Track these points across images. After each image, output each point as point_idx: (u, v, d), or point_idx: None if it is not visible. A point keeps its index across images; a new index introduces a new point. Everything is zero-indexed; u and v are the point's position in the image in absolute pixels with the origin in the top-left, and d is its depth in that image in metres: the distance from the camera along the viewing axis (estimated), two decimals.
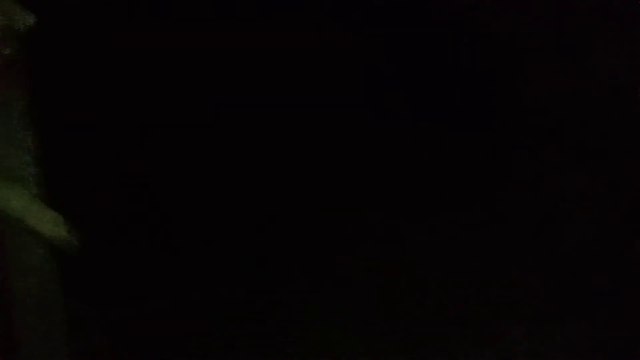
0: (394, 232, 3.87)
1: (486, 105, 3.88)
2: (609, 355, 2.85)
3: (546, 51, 3.75)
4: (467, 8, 3.81)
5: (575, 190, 3.61)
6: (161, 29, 3.61)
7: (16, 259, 2.20)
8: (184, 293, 3.43)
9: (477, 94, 3.90)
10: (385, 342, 3.34)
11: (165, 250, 3.49)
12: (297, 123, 3.73)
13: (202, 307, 3.40)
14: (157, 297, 3.38)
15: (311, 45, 3.77)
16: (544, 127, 3.72)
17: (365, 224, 3.79)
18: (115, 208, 3.42)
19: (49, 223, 2.12)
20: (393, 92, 3.88)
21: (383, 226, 3.82)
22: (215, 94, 3.73)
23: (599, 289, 3.24)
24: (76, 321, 2.61)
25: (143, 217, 3.56)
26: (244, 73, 3.77)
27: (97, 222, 2.76)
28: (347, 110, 3.80)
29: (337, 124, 3.79)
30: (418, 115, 3.83)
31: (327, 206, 3.62)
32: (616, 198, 3.50)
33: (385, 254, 3.74)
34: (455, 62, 3.88)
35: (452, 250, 3.63)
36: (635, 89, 3.45)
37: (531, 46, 3.76)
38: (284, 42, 3.78)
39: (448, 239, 3.71)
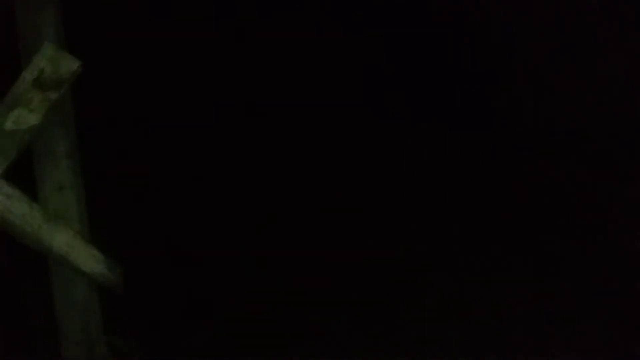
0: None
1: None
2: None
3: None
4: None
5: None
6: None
7: (61, 294, 2.27)
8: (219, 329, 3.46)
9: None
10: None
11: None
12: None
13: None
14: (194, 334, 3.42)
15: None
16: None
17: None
18: (157, 246, 3.48)
19: (91, 260, 2.19)
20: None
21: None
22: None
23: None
24: (120, 355, 2.66)
25: (181, 257, 3.62)
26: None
27: (139, 260, 2.81)
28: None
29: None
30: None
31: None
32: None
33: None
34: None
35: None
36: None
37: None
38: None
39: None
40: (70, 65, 2.11)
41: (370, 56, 3.95)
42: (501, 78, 3.78)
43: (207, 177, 3.64)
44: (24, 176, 2.17)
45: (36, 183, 2.19)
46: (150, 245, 3.38)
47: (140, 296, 2.97)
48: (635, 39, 3.48)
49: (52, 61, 2.10)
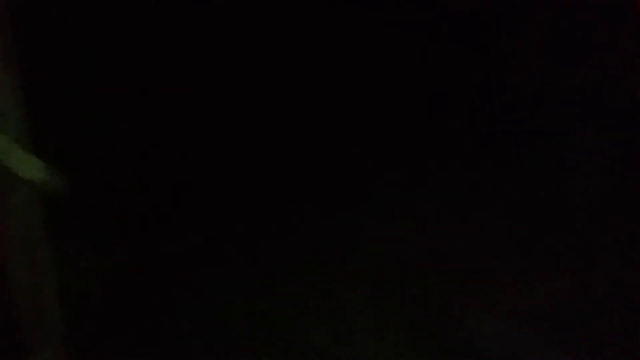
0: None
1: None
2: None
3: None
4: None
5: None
6: None
7: (2, 200, 2.22)
8: (167, 236, 3.48)
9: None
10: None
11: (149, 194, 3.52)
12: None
13: (187, 251, 3.46)
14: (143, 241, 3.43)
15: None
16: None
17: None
18: (99, 151, 3.44)
19: (30, 167, 2.14)
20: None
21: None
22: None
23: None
24: (65, 262, 2.65)
25: (128, 160, 3.58)
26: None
27: (81, 166, 2.77)
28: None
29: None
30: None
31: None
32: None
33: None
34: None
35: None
36: None
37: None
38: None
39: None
40: None
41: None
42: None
43: None
44: None
45: None
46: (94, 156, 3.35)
47: (84, 203, 2.96)
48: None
49: None
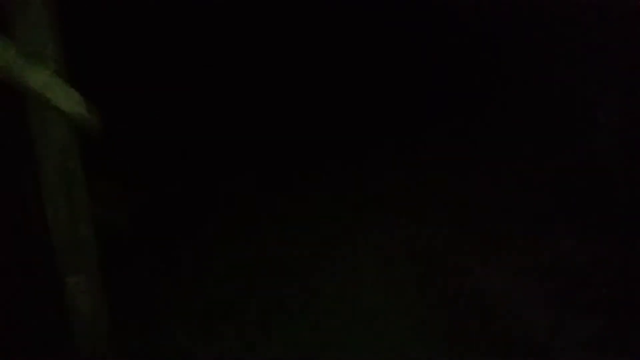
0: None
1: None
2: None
3: None
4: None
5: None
6: None
7: (40, 135, 2.29)
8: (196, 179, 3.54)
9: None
10: None
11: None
12: None
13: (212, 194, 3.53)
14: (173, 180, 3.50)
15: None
16: None
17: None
18: (133, 90, 3.49)
19: (69, 100, 2.21)
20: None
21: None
22: None
23: None
24: (98, 196, 2.73)
25: (160, 100, 3.64)
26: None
27: (117, 103, 2.84)
28: None
29: None
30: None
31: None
32: None
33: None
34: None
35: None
36: None
37: None
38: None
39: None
40: None
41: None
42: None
43: None
44: None
45: (10, 22, 2.17)
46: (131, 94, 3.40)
47: (120, 141, 3.03)
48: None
49: None
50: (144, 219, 3.34)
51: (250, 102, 3.94)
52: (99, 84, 2.58)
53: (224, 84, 3.90)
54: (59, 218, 2.35)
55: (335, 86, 4.12)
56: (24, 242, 2.36)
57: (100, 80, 2.86)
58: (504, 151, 3.87)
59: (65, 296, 2.38)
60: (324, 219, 3.50)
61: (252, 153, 3.85)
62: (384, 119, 4.14)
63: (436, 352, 2.68)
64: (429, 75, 4.18)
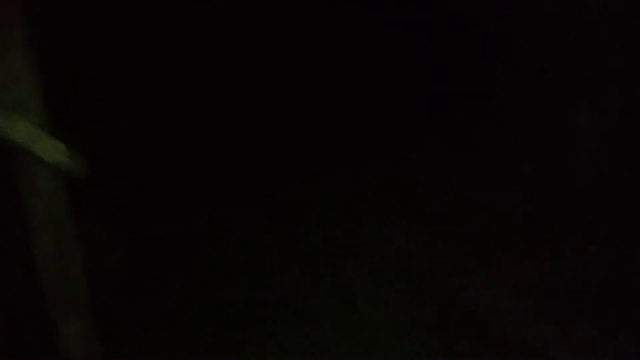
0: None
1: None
2: None
3: None
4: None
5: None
6: None
7: (26, 185, 2.31)
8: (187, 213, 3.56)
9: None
10: None
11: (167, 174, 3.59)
12: None
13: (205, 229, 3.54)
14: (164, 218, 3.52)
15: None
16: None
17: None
18: (116, 134, 3.51)
19: (53, 151, 2.23)
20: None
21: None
22: None
23: None
24: (90, 239, 2.74)
25: (143, 142, 3.66)
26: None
27: (101, 149, 2.86)
28: None
29: None
30: None
31: None
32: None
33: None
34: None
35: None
36: None
37: None
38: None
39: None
40: None
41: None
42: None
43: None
44: None
45: None
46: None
47: (109, 184, 3.04)
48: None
49: None
50: (136, 261, 3.35)
51: (235, 140, 3.95)
52: (84, 129, 2.62)
53: (208, 124, 3.92)
54: (49, 267, 2.36)
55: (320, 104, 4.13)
56: (14, 291, 2.37)
57: (85, 125, 2.89)
58: (499, 164, 3.87)
59: (58, 345, 2.39)
60: (315, 253, 3.49)
61: (238, 189, 3.85)
62: (372, 138, 4.14)
63: None
64: (410, 95, 4.20)
